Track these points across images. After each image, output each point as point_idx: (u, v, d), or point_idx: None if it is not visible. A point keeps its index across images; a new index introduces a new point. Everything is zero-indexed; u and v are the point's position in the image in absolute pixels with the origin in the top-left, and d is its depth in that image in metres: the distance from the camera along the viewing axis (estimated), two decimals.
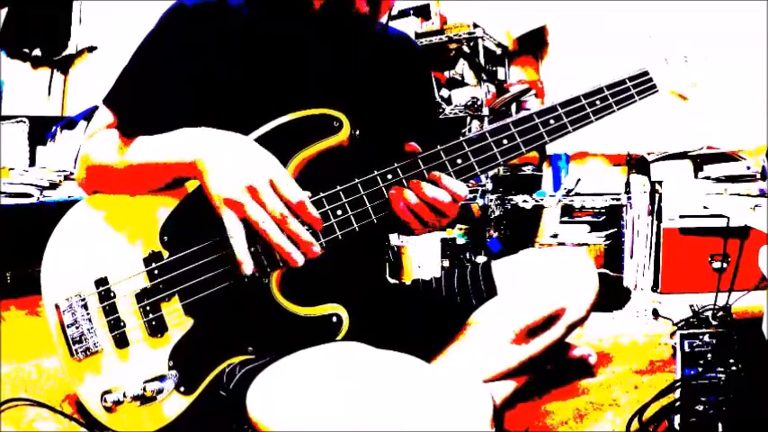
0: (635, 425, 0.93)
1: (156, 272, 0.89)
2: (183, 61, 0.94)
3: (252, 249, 0.87)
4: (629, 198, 2.60)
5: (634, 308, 2.11)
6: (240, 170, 0.82)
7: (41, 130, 2.88)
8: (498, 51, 3.05)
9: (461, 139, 0.91)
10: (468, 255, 2.87)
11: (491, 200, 2.82)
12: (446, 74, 2.98)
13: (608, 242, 2.62)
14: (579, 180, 2.75)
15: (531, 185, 2.88)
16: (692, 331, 1.25)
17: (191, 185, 0.91)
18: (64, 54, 3.33)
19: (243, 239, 0.81)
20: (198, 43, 0.94)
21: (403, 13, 2.94)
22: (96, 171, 0.95)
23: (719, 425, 0.86)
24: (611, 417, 1.05)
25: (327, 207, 0.89)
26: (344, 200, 0.89)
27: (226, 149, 0.84)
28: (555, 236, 2.75)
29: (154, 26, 0.96)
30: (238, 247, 0.81)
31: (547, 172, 2.89)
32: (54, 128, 2.89)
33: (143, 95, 0.95)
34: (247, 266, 0.81)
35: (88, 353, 0.88)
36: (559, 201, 2.74)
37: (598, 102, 0.95)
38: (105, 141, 0.95)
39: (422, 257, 2.79)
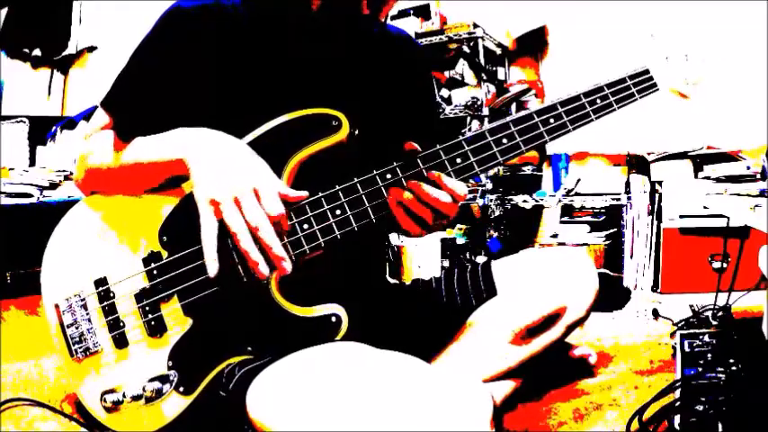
0: (635, 425, 0.93)
1: (155, 272, 0.89)
2: (180, 64, 0.94)
3: None
4: (629, 198, 2.60)
5: (634, 308, 2.10)
6: (227, 171, 0.82)
7: (41, 130, 2.88)
8: (498, 51, 3.05)
9: (461, 138, 0.91)
10: (468, 255, 2.87)
11: (491, 200, 2.82)
12: (446, 74, 2.98)
13: (608, 242, 2.62)
14: (579, 180, 2.75)
15: (531, 185, 2.88)
16: (692, 331, 1.25)
17: (188, 186, 0.91)
18: (64, 54, 3.33)
19: (214, 240, 0.81)
20: (195, 46, 0.94)
21: (403, 13, 2.94)
22: (93, 172, 0.95)
23: (719, 425, 0.86)
24: (611, 417, 1.05)
25: (326, 207, 0.89)
26: (343, 199, 0.89)
27: (215, 149, 0.85)
28: (555, 236, 2.75)
29: (151, 28, 0.96)
30: (208, 246, 0.81)
31: (547, 172, 2.89)
32: (54, 128, 2.89)
33: (140, 98, 0.95)
34: (212, 268, 0.81)
35: (88, 353, 0.88)
36: (559, 201, 2.74)
37: (598, 100, 0.94)
38: (102, 142, 0.95)
39: (422, 257, 2.79)
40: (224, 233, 0.82)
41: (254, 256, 0.81)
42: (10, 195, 2.39)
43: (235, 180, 0.81)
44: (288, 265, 0.82)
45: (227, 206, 0.80)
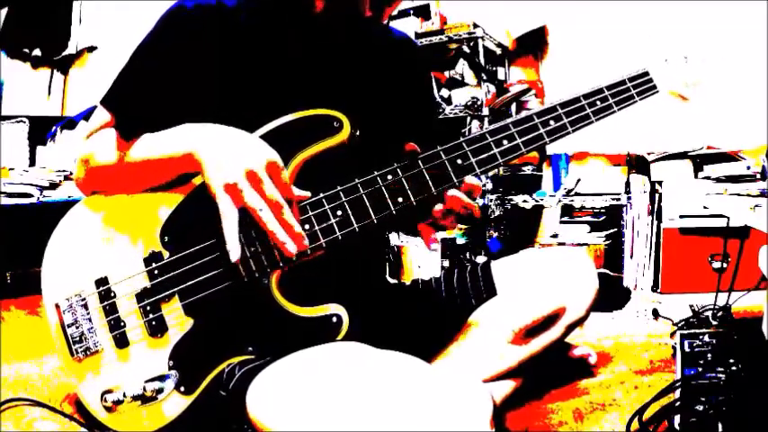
0: (635, 425, 0.93)
1: (156, 272, 0.89)
2: (181, 62, 0.94)
3: (252, 249, 0.87)
4: (629, 198, 2.60)
5: (634, 308, 2.11)
6: (238, 156, 0.82)
7: (41, 130, 2.88)
8: (498, 51, 3.05)
9: (461, 139, 0.92)
10: (468, 255, 2.87)
11: (491, 200, 2.82)
12: (446, 74, 2.98)
13: (608, 242, 2.62)
14: (579, 180, 2.75)
15: (531, 185, 2.88)
16: (692, 331, 1.25)
17: (197, 180, 0.91)
18: (64, 54, 3.33)
19: (235, 225, 0.81)
20: (197, 44, 0.94)
21: (403, 13, 2.94)
22: (95, 171, 0.95)
23: (719, 425, 0.86)
24: (611, 417, 1.05)
25: (327, 207, 0.89)
26: (344, 200, 0.89)
27: (223, 139, 0.85)
28: (555, 236, 2.75)
29: (153, 27, 0.96)
30: (229, 232, 0.81)
31: (547, 172, 2.89)
32: (54, 128, 2.89)
33: (141, 96, 0.95)
34: (234, 253, 0.81)
35: (88, 353, 0.88)
36: (559, 201, 2.74)
37: (598, 102, 0.95)
38: (103, 141, 0.95)
39: (422, 257, 2.79)
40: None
41: (281, 236, 0.82)
42: (10, 195, 2.39)
43: (246, 160, 0.81)
44: (306, 242, 0.85)
45: (245, 187, 0.80)
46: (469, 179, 0.92)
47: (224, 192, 0.81)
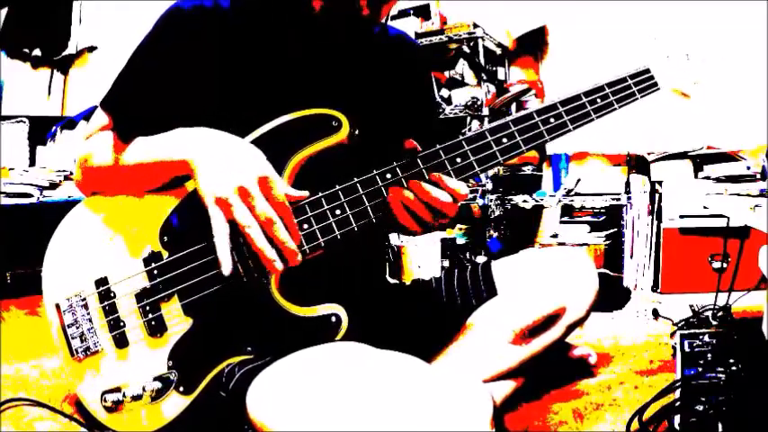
0: (635, 425, 0.93)
1: (155, 272, 0.89)
2: (179, 64, 0.94)
3: (252, 249, 0.87)
4: (629, 198, 2.60)
5: (634, 308, 2.10)
6: (231, 169, 0.82)
7: (41, 130, 2.88)
8: (498, 51, 3.05)
9: (461, 138, 0.91)
10: (468, 255, 2.87)
11: (491, 200, 2.82)
12: (446, 74, 2.98)
13: (608, 242, 2.62)
14: (579, 180, 2.74)
15: (531, 185, 2.88)
16: (692, 331, 1.25)
17: (190, 185, 0.91)
18: (64, 54, 3.33)
19: (226, 240, 0.81)
20: (195, 46, 0.94)
21: (403, 13, 2.94)
22: (94, 172, 0.95)
23: (719, 425, 0.86)
24: (611, 417, 1.05)
25: (326, 207, 0.89)
26: (343, 199, 0.89)
27: (218, 148, 0.85)
28: (555, 236, 2.75)
29: (150, 29, 0.96)
30: (221, 246, 0.81)
31: (547, 172, 2.89)
32: (54, 128, 2.89)
33: (140, 98, 0.95)
34: (226, 267, 0.81)
35: (88, 353, 0.88)
36: (559, 201, 2.74)
37: (599, 99, 0.94)
38: (102, 143, 0.95)
39: (422, 257, 2.79)
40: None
41: (269, 254, 0.81)
42: (10, 195, 2.39)
43: (238, 175, 0.81)
44: (299, 258, 0.84)
45: (235, 203, 0.80)
46: (453, 183, 0.88)
47: (215, 205, 0.81)
